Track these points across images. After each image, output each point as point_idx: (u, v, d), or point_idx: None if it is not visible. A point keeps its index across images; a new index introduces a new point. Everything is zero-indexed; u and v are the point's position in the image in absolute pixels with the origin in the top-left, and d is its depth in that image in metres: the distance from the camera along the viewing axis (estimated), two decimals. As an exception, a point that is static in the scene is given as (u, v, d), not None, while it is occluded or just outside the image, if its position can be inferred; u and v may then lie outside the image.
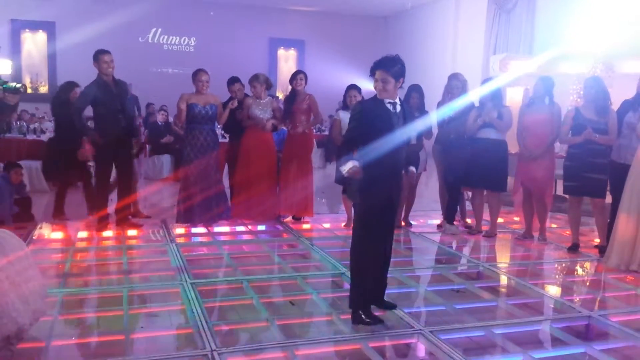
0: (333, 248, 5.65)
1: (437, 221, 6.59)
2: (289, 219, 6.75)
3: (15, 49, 12.93)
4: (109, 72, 5.88)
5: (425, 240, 6.12)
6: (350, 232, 6.23)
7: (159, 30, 14.04)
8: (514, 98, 8.89)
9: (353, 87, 6.34)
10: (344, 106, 6.39)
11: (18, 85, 3.90)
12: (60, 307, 3.85)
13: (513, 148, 6.18)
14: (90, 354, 3.27)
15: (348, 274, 4.65)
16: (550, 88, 5.70)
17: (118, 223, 6.05)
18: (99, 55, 5.88)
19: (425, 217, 7.08)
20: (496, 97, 5.96)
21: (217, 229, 6.27)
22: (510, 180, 6.18)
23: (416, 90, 6.16)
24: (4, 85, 3.84)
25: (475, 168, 5.89)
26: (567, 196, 5.73)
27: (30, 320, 3.25)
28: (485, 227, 6.26)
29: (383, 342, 3.52)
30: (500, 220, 6.44)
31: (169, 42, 14.13)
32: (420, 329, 3.58)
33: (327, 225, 6.70)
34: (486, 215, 6.30)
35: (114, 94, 5.87)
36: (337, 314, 3.84)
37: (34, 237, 5.61)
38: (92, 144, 6.08)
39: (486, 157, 5.84)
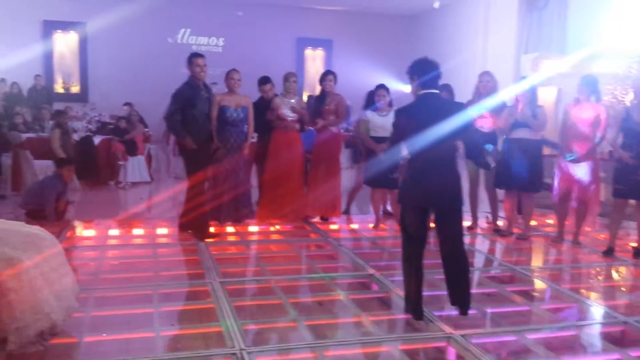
0: (361, 249, 5.63)
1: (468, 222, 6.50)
2: (316, 219, 6.74)
3: (47, 49, 13.18)
4: (202, 76, 5.75)
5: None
6: (380, 233, 6.28)
7: (188, 30, 14.19)
8: (547, 98, 8.72)
9: (381, 87, 6.31)
10: (373, 106, 6.34)
11: None
12: (92, 304, 3.90)
13: (548, 149, 6.05)
14: (122, 350, 3.29)
15: (377, 275, 4.65)
16: (595, 86, 5.55)
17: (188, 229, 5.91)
18: (192, 59, 5.76)
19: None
20: (530, 96, 5.84)
21: (245, 229, 6.29)
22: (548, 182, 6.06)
23: (446, 89, 6.09)
24: None
25: (510, 169, 5.79)
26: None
27: (63, 316, 3.31)
28: (517, 230, 6.16)
29: (413, 345, 3.48)
30: (533, 222, 6.32)
31: (197, 42, 14.27)
32: (450, 333, 3.52)
33: (355, 226, 6.67)
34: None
35: (204, 97, 5.79)
36: (366, 316, 3.81)
37: (66, 235, 5.71)
38: (181, 148, 5.96)
39: (521, 158, 5.73)
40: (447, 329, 3.57)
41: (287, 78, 6.50)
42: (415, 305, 3.72)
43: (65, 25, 13.18)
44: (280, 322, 3.74)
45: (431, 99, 3.71)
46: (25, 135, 8.66)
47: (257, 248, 5.67)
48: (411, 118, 3.70)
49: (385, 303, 4.23)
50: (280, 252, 5.61)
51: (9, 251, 3.13)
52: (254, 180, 6.84)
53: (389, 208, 6.85)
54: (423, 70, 3.71)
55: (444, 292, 4.41)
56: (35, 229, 3.51)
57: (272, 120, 6.46)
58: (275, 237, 6.25)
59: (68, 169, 6.46)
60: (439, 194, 3.67)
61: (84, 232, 6.01)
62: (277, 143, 6.49)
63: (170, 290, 4.31)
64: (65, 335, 3.36)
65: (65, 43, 13.40)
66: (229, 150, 6.12)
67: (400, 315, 3.87)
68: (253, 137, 6.57)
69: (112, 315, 3.80)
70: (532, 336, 3.58)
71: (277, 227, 6.46)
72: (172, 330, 3.62)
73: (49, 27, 13.12)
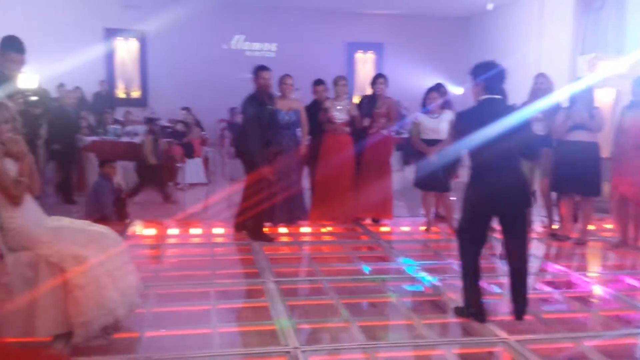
0: (413, 251, 5.61)
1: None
2: (367, 221, 6.77)
3: (109, 56, 13.72)
4: (267, 88, 5.80)
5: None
6: (431, 236, 6.26)
7: (242, 37, 14.48)
8: (605, 100, 8.44)
9: (432, 89, 6.29)
10: (424, 109, 6.32)
11: (35, 98, 4.19)
12: (153, 301, 4.06)
13: (605, 152, 5.89)
14: (180, 345, 3.41)
15: (428, 278, 4.64)
16: None
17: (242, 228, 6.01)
18: (258, 72, 5.79)
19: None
20: (587, 97, 5.70)
21: (297, 230, 6.39)
22: (605, 186, 5.89)
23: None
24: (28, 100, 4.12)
25: (566, 172, 5.66)
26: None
27: (126, 312, 3.45)
28: (574, 234, 6.00)
29: (466, 350, 3.47)
30: (591, 227, 6.16)
31: (251, 48, 14.54)
32: (505, 338, 3.49)
33: (406, 229, 6.66)
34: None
35: (268, 109, 5.82)
36: (418, 318, 3.82)
37: (127, 234, 5.94)
38: (238, 151, 6.01)
39: (578, 160, 5.60)
40: (502, 334, 3.54)
41: (336, 82, 6.58)
42: (478, 308, 3.71)
43: (125, 33, 13.65)
44: (332, 322, 3.79)
45: (493, 105, 3.67)
46: (89, 139, 9.03)
47: (309, 249, 5.75)
48: (471, 123, 3.65)
49: (437, 306, 4.21)
50: (332, 253, 5.67)
51: (77, 249, 3.30)
52: (305, 182, 6.92)
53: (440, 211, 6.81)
54: (486, 74, 3.65)
55: (497, 297, 4.38)
56: (101, 228, 3.68)
57: (323, 121, 6.55)
58: (326, 238, 6.32)
59: (110, 166, 6.70)
60: (507, 199, 3.63)
61: (145, 231, 6.24)
62: (328, 146, 6.56)
63: (226, 288, 4.43)
64: (128, 330, 3.51)
65: (126, 49, 13.90)
66: (281, 152, 6.23)
67: (453, 319, 3.85)
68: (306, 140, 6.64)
69: (172, 312, 3.94)
70: (589, 343, 3.50)
71: (329, 228, 6.53)
72: (229, 327, 3.73)
73: (111, 34, 13.62)
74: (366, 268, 4.97)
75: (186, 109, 10.98)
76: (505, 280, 4.86)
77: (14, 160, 3.33)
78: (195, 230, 6.27)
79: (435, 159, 5.89)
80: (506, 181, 3.63)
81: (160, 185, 8.10)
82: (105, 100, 12.05)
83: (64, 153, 7.93)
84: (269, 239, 5.79)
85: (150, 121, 8.77)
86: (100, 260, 3.35)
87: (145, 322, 3.69)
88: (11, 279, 3.20)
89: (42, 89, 8.07)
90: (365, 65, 15.20)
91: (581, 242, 5.86)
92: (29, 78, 4.22)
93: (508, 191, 3.64)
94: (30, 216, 3.35)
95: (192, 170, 9.56)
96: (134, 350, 3.34)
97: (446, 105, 6.45)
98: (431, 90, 6.29)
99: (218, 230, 6.24)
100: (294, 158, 6.39)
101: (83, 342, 3.21)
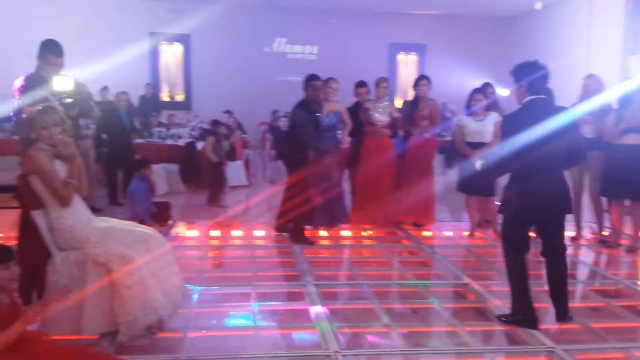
0: (455, 257, 5.52)
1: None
2: (408, 224, 6.69)
3: (154, 59, 14.03)
4: (317, 98, 5.83)
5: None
6: (475, 241, 6.14)
7: (284, 40, 14.58)
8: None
9: (477, 91, 6.16)
10: (468, 111, 6.21)
11: (70, 100, 4.29)
12: (196, 301, 4.11)
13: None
14: (221, 346, 3.44)
15: (473, 284, 4.55)
16: None
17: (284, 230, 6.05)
18: (310, 82, 5.79)
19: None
20: (638, 98, 5.50)
21: (337, 233, 6.36)
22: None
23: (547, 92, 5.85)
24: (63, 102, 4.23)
25: (617, 176, 5.47)
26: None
27: (170, 312, 3.50)
28: (625, 241, 5.79)
29: (512, 358, 3.39)
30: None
31: (293, 51, 14.63)
32: (552, 347, 3.38)
33: (449, 234, 6.54)
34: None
35: (316, 117, 5.87)
36: (461, 325, 3.74)
37: (171, 235, 6.03)
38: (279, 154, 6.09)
39: (629, 164, 5.39)
40: (549, 343, 3.44)
41: (378, 83, 6.55)
42: (529, 314, 3.63)
43: (171, 37, 13.92)
44: (373, 327, 3.76)
45: (540, 105, 3.58)
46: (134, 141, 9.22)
47: (349, 252, 5.72)
48: (519, 126, 3.55)
49: (481, 313, 4.12)
50: (373, 257, 5.63)
51: (123, 249, 3.36)
52: (346, 185, 6.89)
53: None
54: (529, 75, 3.58)
55: (545, 305, 4.25)
56: (146, 229, 3.74)
57: (364, 122, 6.51)
58: (367, 242, 6.27)
59: (147, 167, 6.82)
60: (548, 203, 3.55)
61: (188, 232, 6.33)
62: (369, 148, 6.52)
63: (267, 290, 4.44)
64: (171, 330, 3.55)
65: (170, 53, 14.18)
66: (321, 154, 6.22)
67: (497, 327, 3.76)
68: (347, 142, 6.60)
69: (214, 312, 3.99)
70: (641, 354, 3.38)
71: (370, 232, 6.48)
72: (270, 329, 3.74)
73: (155, 38, 13.90)
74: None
75: (228, 112, 11.13)
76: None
77: (64, 162, 3.42)
78: (236, 232, 6.33)
79: (478, 162, 5.76)
80: (547, 185, 3.54)
81: (219, 186, 8.18)
82: (150, 104, 12.30)
83: (113, 155, 8.09)
84: (309, 242, 5.79)
85: (215, 123, 9.00)
86: (146, 260, 3.40)
87: (189, 322, 3.73)
88: (59, 278, 3.29)
89: (81, 91, 8.23)
90: (407, 66, 15.08)
91: (632, 249, 5.65)
92: (64, 80, 4.36)
93: (549, 195, 3.56)
94: (78, 216, 3.44)
95: (233, 172, 9.64)
96: (176, 350, 3.38)
97: (493, 106, 6.31)
98: (476, 91, 6.16)
99: (259, 233, 6.28)
100: (334, 160, 6.37)
101: (128, 341, 3.27)
